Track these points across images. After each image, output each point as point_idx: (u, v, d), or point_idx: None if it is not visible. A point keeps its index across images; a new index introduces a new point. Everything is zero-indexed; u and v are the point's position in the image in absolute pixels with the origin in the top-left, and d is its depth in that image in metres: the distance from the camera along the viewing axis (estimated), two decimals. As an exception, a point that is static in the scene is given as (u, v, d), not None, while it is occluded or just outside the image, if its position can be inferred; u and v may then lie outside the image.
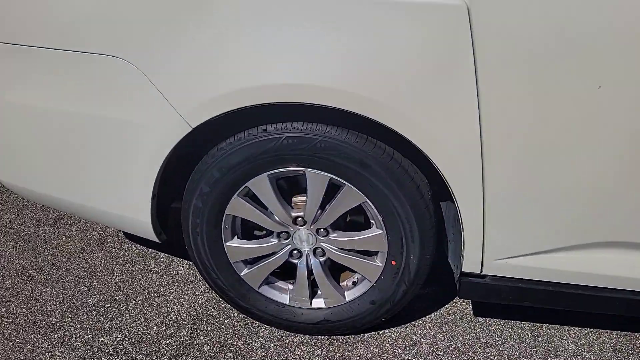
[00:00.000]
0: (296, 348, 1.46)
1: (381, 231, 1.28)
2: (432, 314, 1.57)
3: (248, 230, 1.46)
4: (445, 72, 1.03)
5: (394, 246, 1.28)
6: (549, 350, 1.43)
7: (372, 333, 1.50)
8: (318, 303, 1.44)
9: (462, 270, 1.29)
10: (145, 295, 1.68)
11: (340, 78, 1.07)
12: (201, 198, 1.30)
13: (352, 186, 1.22)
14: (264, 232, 1.44)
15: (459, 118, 1.06)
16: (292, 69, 1.09)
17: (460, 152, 1.10)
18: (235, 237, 1.39)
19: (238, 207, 1.32)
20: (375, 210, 1.25)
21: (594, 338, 1.47)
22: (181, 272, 1.79)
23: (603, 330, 1.49)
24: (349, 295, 1.41)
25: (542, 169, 1.10)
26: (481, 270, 1.27)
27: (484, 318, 1.55)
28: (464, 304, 1.61)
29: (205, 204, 1.31)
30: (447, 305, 1.60)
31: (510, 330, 1.51)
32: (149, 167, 1.26)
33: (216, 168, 1.25)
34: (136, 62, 1.15)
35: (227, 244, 1.38)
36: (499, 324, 1.53)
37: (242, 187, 1.28)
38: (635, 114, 1.01)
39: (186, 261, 1.84)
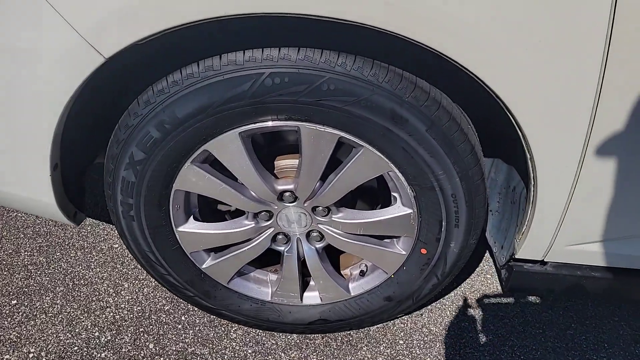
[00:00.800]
0: (282, 354, 1.09)
1: (410, 210, 0.87)
2: (452, 294, 1.23)
3: (209, 206, 1.01)
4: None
5: (427, 231, 0.89)
6: (600, 337, 1.15)
7: (380, 326, 1.15)
8: (311, 298, 1.05)
9: (515, 255, 0.93)
10: (68, 284, 1.23)
11: None
12: (133, 168, 0.82)
13: (373, 149, 0.78)
14: (234, 209, 1.00)
15: (574, 54, 0.63)
16: None
17: (563, 111, 0.68)
18: (191, 218, 0.94)
19: (192, 179, 0.85)
20: (405, 183, 0.83)
21: (650, 317, 1.20)
22: (117, 245, 1.34)
23: (658, 306, 1.22)
24: (356, 289, 1.03)
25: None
26: (545, 256, 0.92)
27: (515, 298, 1.23)
28: (489, 277, 1.28)
29: (141, 177, 0.83)
30: (468, 281, 1.27)
31: (550, 312, 1.20)
32: (43, 124, 0.76)
33: (154, 124, 0.77)
34: None
35: (179, 229, 0.93)
36: (535, 306, 1.22)
37: (199, 151, 0.81)
38: None
39: (122, 229, 1.38)
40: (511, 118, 0.72)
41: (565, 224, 0.84)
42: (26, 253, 1.31)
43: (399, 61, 0.72)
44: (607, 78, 0.65)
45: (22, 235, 1.36)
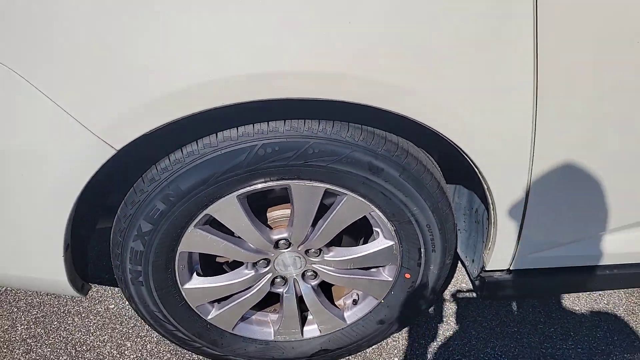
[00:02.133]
0: (289, 387, 1.17)
1: (392, 242, 0.99)
2: (434, 307, 1.36)
3: (209, 260, 1.09)
4: (496, 46, 0.72)
5: (409, 258, 1.01)
6: (566, 327, 1.30)
7: (375, 347, 1.25)
8: (311, 331, 1.15)
9: (485, 267, 1.06)
10: (70, 353, 1.26)
11: (351, 60, 0.72)
12: (141, 239, 0.90)
13: (356, 196, 0.90)
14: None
15: (509, 103, 0.77)
16: (277, 50, 0.70)
17: (507, 142, 0.82)
18: (194, 275, 1.02)
19: (195, 241, 0.94)
20: (386, 220, 0.95)
21: (605, 303, 1.36)
22: (112, 306, 1.39)
23: (611, 292, 1.39)
24: (350, 317, 1.13)
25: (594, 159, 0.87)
26: (510, 265, 1.06)
27: (489, 303, 1.37)
28: (464, 285, 1.42)
29: (148, 246, 0.91)
30: (446, 293, 1.40)
31: (521, 310, 1.35)
32: (58, 213, 0.83)
33: (159, 198, 0.85)
34: (29, 74, 0.69)
35: (185, 287, 1.01)
36: (507, 307, 1.36)
37: (201, 215, 0.90)
38: None
39: (116, 289, 1.43)
40: (469, 160, 0.86)
41: (523, 237, 0.99)
42: (23, 327, 1.33)
43: (371, 122, 0.85)
44: (539, 125, 0.80)
45: (16, 309, 1.38)
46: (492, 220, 0.97)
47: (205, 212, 0.89)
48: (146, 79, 0.71)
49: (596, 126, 0.85)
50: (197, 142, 0.82)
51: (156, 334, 1.27)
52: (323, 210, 0.96)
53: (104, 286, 1.44)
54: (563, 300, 1.37)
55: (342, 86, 0.74)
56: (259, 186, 0.87)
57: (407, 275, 1.04)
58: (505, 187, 0.90)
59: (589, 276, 1.10)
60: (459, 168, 1.02)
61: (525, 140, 0.83)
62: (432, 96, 0.77)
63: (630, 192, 0.96)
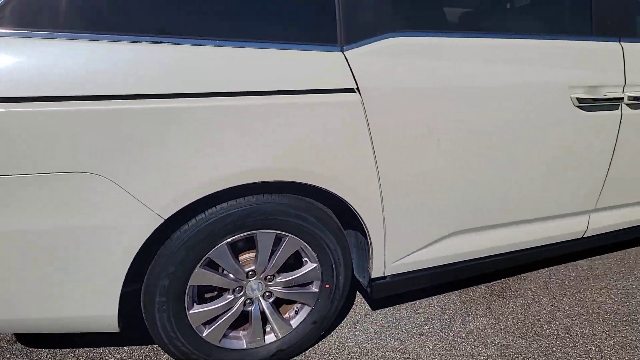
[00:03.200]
0: (259, 382, 1.71)
1: (316, 264, 1.67)
2: (344, 319, 2.01)
3: (199, 294, 1.66)
4: (353, 147, 1.51)
5: (326, 273, 1.69)
6: (459, 308, 2.03)
7: (310, 349, 1.86)
8: (270, 338, 1.73)
9: (372, 277, 1.78)
10: (89, 393, 1.67)
11: (293, 160, 1.45)
12: (168, 277, 1.47)
13: (293, 236, 1.59)
14: (215, 292, 1.66)
15: (366, 175, 1.55)
16: (256, 157, 1.41)
17: (372, 197, 1.59)
18: (194, 304, 1.59)
19: (201, 276, 1.53)
20: (311, 250, 1.64)
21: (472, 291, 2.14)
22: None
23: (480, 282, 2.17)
24: (295, 323, 1.75)
25: (414, 203, 1.67)
26: (385, 272, 1.79)
27: (380, 310, 2.07)
28: (362, 304, 2.11)
29: (172, 282, 1.48)
30: (351, 310, 2.07)
31: (423, 305, 2.06)
32: (122, 264, 1.38)
33: (183, 248, 1.45)
34: (114, 176, 1.29)
35: (190, 312, 1.57)
36: (394, 310, 2.07)
37: (204, 259, 1.51)
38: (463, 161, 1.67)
39: (124, 348, 1.86)
40: (353, 209, 1.60)
41: (387, 252, 1.73)
42: (40, 386, 1.70)
43: (299, 192, 1.56)
44: (383, 187, 1.59)
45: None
46: (370, 244, 1.70)
47: (206, 256, 1.50)
48: (182, 178, 1.35)
49: (409, 184, 1.65)
50: (204, 212, 1.46)
51: (166, 356, 1.74)
52: (275, 247, 1.62)
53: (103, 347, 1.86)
54: (439, 287, 2.11)
55: (281, 174, 1.46)
56: (242, 234, 1.51)
57: (327, 286, 1.71)
58: (372, 222, 1.64)
59: (435, 273, 1.86)
60: (345, 215, 1.77)
61: (378, 195, 1.60)
62: (331, 176, 1.51)
63: (443, 215, 1.76)
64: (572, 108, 1.77)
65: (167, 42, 1.30)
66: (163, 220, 1.38)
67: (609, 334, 1.93)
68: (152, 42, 1.29)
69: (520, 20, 1.81)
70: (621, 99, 1.82)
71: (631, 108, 1.87)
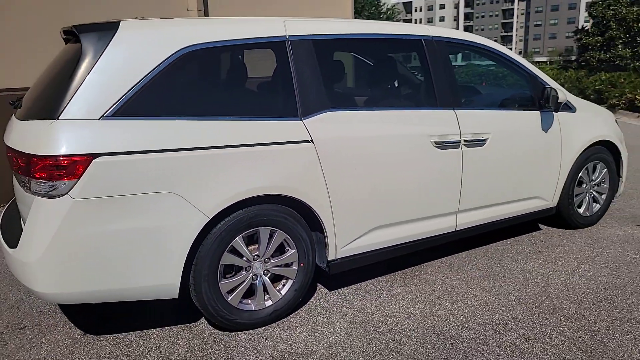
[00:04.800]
0: (269, 329, 2.63)
1: (294, 250, 2.69)
2: (306, 304, 3.00)
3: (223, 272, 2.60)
4: (312, 174, 2.63)
5: (301, 255, 2.71)
6: (390, 288, 3.07)
7: (292, 315, 2.80)
8: (268, 303, 2.68)
9: (329, 260, 2.82)
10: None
11: (279, 182, 2.52)
12: (209, 258, 2.42)
13: (281, 231, 2.62)
14: (233, 271, 2.61)
15: (320, 190, 2.66)
16: (262, 181, 2.47)
17: (324, 202, 2.69)
18: (222, 278, 2.52)
19: (227, 258, 2.49)
20: (291, 240, 2.66)
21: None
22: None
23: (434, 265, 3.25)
24: (283, 292, 2.72)
25: (351, 204, 2.79)
26: (336, 256, 2.84)
27: (334, 290, 3.08)
28: (322, 289, 3.11)
29: (211, 261, 2.43)
30: (315, 293, 3.06)
31: (376, 285, 3.08)
32: (185, 248, 2.33)
33: (217, 240, 2.43)
34: (182, 193, 2.28)
35: (220, 283, 2.50)
36: (355, 290, 3.09)
37: (229, 247, 2.48)
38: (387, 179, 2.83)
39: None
40: (314, 212, 2.67)
41: (337, 242, 2.79)
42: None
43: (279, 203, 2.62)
44: (331, 196, 2.70)
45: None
46: (326, 236, 2.77)
47: (231, 244, 2.48)
48: (218, 193, 2.36)
49: (345, 196, 2.77)
50: (230, 215, 2.45)
51: (204, 318, 2.60)
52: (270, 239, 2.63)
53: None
54: (394, 274, 3.16)
55: (273, 190, 2.53)
56: (251, 230, 2.52)
57: (302, 264, 2.73)
58: (327, 221, 2.71)
59: (366, 255, 2.94)
60: (308, 221, 2.83)
61: (328, 203, 2.69)
62: (303, 192, 2.59)
63: (367, 216, 2.88)
64: (433, 147, 3.04)
65: (207, 119, 2.38)
66: (209, 219, 2.36)
67: (475, 289, 3.09)
68: (198, 119, 2.36)
69: (402, 99, 3.11)
70: (459, 141, 3.14)
71: (466, 146, 3.19)
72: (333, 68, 3.13)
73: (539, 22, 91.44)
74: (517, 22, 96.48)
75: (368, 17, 29.86)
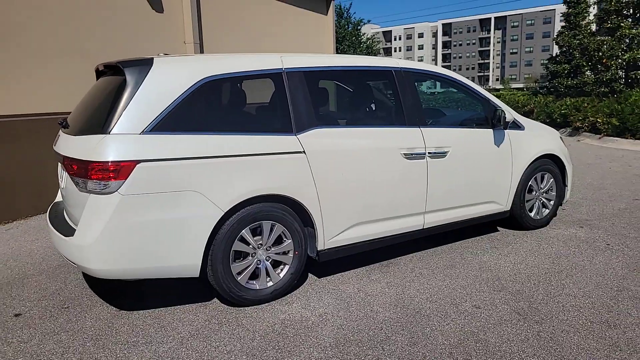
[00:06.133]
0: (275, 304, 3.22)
1: (290, 240, 3.31)
2: (300, 287, 3.60)
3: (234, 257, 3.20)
4: (304, 178, 3.27)
5: (296, 245, 3.33)
6: (369, 276, 3.69)
7: (289, 294, 3.40)
8: (270, 284, 3.28)
9: (318, 250, 3.45)
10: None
11: (279, 183, 3.16)
12: (224, 244, 3.03)
13: (279, 224, 3.24)
14: (242, 257, 3.21)
15: (311, 191, 3.31)
16: (264, 184, 3.10)
17: (315, 202, 3.33)
18: (233, 262, 3.13)
19: (238, 246, 3.10)
20: (288, 232, 3.29)
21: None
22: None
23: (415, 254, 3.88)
24: (282, 275, 3.33)
25: (336, 204, 3.44)
26: (324, 247, 3.47)
27: (322, 277, 3.69)
28: (312, 277, 3.71)
29: (225, 247, 3.04)
30: (306, 280, 3.67)
31: (360, 276, 3.70)
32: (206, 234, 2.94)
33: (230, 230, 3.04)
34: (203, 192, 2.90)
35: (232, 265, 3.10)
36: (340, 277, 3.70)
37: (238, 237, 3.10)
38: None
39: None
40: (305, 208, 3.31)
41: (325, 235, 3.41)
42: (144, 325, 3.05)
43: (280, 201, 3.25)
44: (320, 195, 3.34)
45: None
46: (315, 230, 3.39)
47: (240, 234, 3.09)
48: (232, 191, 2.99)
49: (331, 195, 3.41)
50: (240, 210, 3.07)
51: (217, 296, 3.17)
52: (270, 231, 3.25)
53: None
54: (380, 264, 3.78)
55: (274, 191, 3.16)
56: (256, 223, 3.14)
57: (296, 252, 3.34)
58: (316, 216, 3.35)
59: (349, 247, 3.57)
60: (299, 213, 3.47)
61: (317, 201, 3.33)
62: (297, 192, 3.23)
63: (349, 213, 3.52)
64: (402, 158, 3.72)
65: (223, 134, 3.02)
66: (223, 212, 2.98)
67: (439, 275, 3.74)
68: (215, 134, 3.00)
69: (376, 119, 3.81)
70: (424, 153, 3.83)
71: (430, 157, 3.88)
72: (320, 93, 3.81)
73: (515, 50, 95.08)
74: (493, 49, 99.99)
75: (349, 47, 31.01)
